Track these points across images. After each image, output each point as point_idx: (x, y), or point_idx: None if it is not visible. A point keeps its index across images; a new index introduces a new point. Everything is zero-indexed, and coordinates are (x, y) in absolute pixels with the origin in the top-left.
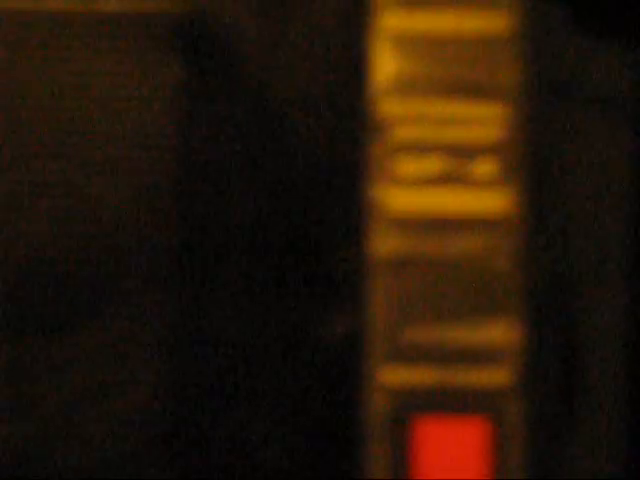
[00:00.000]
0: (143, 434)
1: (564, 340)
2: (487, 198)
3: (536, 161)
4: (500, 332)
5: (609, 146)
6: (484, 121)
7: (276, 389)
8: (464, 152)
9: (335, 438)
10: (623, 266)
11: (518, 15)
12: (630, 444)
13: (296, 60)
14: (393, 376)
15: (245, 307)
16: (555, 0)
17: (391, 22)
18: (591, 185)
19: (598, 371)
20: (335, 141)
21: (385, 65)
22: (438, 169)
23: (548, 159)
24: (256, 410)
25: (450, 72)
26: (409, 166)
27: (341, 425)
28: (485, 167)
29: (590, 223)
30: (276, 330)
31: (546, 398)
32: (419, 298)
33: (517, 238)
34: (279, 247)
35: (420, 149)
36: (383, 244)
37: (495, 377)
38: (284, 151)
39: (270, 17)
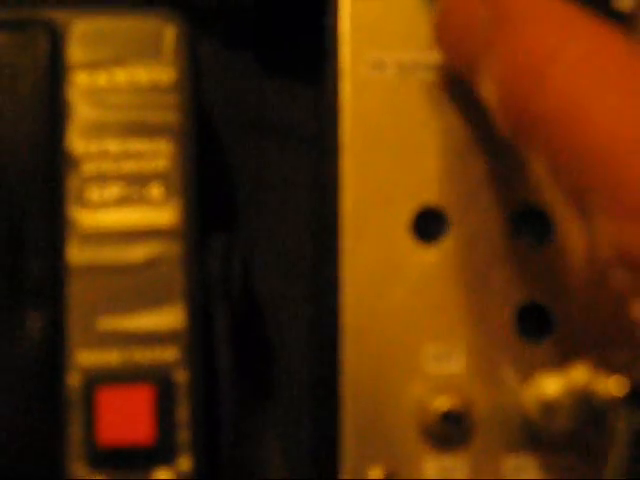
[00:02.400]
0: None
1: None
2: (157, 215)
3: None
4: (169, 319)
5: (294, 170)
6: (153, 154)
7: None
8: (138, 179)
9: (39, 410)
10: (306, 275)
11: (182, 67)
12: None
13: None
14: (85, 357)
15: None
16: (241, 46)
17: (80, 78)
18: (279, 206)
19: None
20: (37, 172)
21: (76, 114)
22: (118, 193)
23: (240, 182)
24: None
25: (124, 116)
26: (95, 192)
27: (43, 399)
28: (155, 190)
29: (276, 240)
30: None
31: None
32: (105, 296)
33: (182, 245)
34: None
35: (103, 179)
36: (78, 254)
37: (162, 354)
38: None
39: None
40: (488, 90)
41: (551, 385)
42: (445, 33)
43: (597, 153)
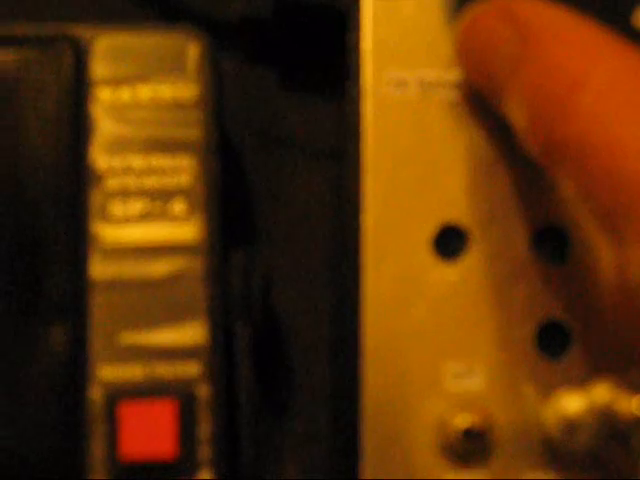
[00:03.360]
0: None
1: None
2: (180, 231)
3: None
4: (191, 334)
5: (314, 185)
6: (176, 170)
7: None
8: (160, 195)
9: (61, 424)
10: (324, 283)
11: (205, 83)
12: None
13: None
14: (108, 372)
15: None
16: (261, 63)
17: (103, 94)
18: (298, 219)
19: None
20: (60, 187)
21: (100, 129)
22: (140, 209)
23: (260, 198)
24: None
25: (147, 132)
26: (118, 208)
27: (65, 413)
28: (178, 206)
29: (295, 255)
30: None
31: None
32: (128, 311)
33: (205, 261)
34: (6, 272)
35: (126, 194)
36: (100, 269)
37: (184, 369)
38: (18, 194)
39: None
40: (515, 112)
41: (572, 403)
42: (467, 53)
43: (627, 178)
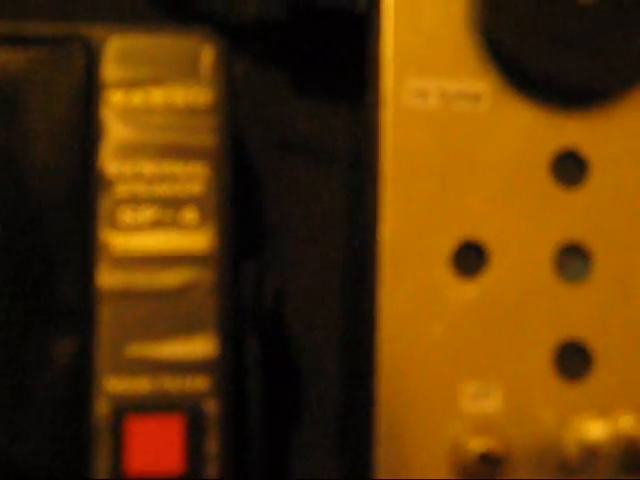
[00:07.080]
0: None
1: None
2: (191, 240)
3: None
4: (201, 347)
5: (325, 190)
6: (188, 178)
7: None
8: (172, 203)
9: (67, 438)
10: (335, 303)
11: (220, 89)
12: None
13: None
14: (114, 385)
15: None
16: (275, 67)
17: (115, 97)
18: (311, 228)
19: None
20: (69, 193)
21: (110, 133)
22: (151, 217)
23: (271, 206)
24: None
25: (160, 138)
26: (128, 215)
27: (71, 426)
28: (189, 214)
29: (307, 265)
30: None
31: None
32: (136, 322)
33: (216, 271)
34: (13, 281)
35: (136, 201)
36: (108, 278)
37: (193, 383)
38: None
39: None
40: None
41: (594, 429)
42: None
43: None
